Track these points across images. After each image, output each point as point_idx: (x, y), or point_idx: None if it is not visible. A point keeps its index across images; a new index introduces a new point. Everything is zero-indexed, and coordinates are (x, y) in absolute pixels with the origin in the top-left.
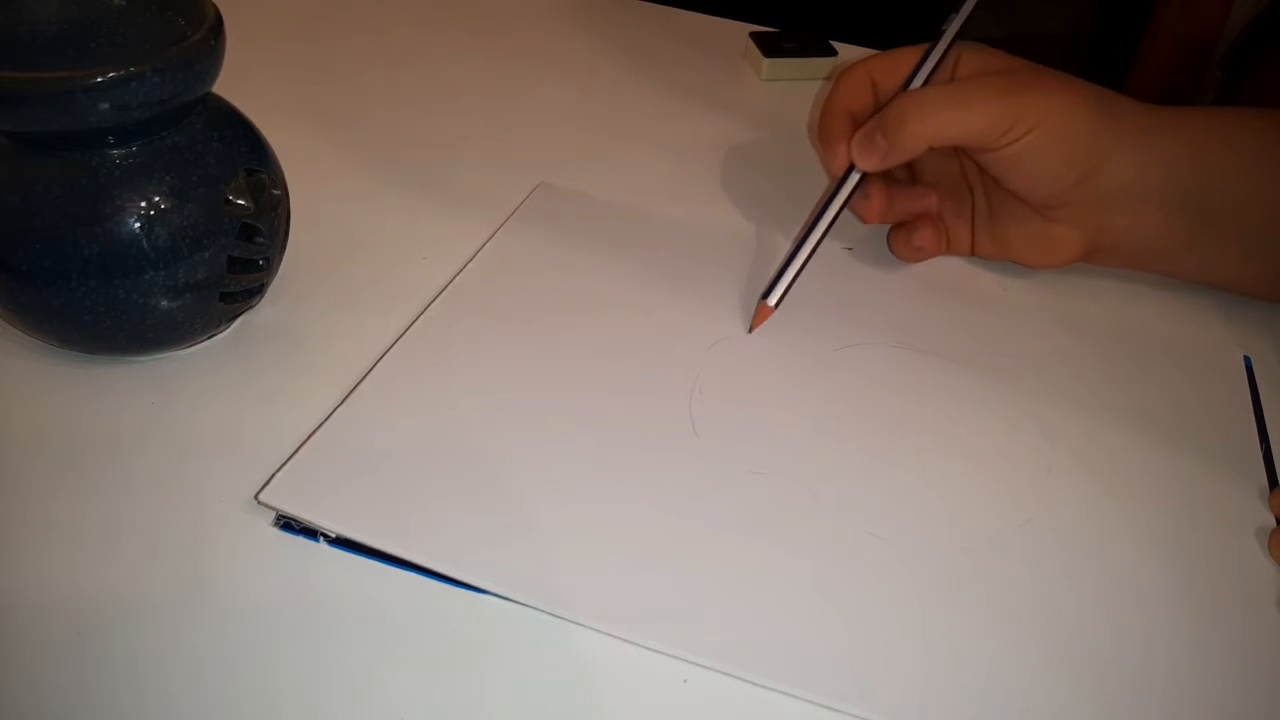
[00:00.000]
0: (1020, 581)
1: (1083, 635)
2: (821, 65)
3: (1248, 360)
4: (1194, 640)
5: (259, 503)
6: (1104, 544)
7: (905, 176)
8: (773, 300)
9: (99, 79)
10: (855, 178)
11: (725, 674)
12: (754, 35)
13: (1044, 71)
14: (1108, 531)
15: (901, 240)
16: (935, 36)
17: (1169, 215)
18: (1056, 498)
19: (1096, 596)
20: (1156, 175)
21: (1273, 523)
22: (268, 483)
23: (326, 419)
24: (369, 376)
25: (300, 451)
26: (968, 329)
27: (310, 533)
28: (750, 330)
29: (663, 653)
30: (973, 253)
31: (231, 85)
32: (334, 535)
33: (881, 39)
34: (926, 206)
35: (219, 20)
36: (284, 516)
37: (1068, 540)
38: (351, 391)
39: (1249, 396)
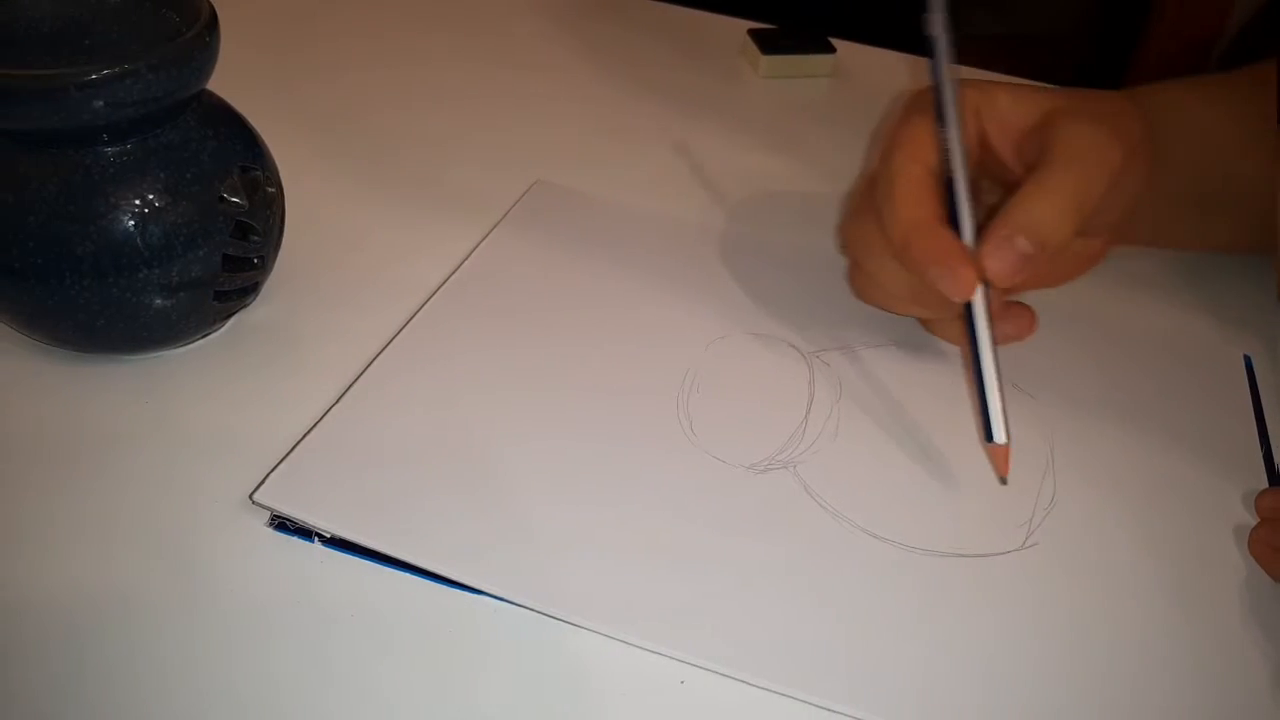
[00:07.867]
0: (1018, 583)
1: (1082, 636)
2: (820, 62)
3: (1248, 360)
4: (1193, 642)
5: (253, 503)
6: (1103, 545)
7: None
8: (1001, 437)
9: (93, 76)
10: (982, 293)
11: (722, 675)
12: (752, 32)
13: (1079, 97)
14: (1107, 532)
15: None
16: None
17: (1175, 205)
18: (1056, 498)
19: (1095, 598)
20: (1171, 178)
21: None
22: (262, 483)
23: (321, 418)
24: (364, 376)
25: (295, 451)
26: None
27: (305, 533)
28: (1004, 480)
29: (660, 653)
30: None
31: (226, 83)
32: (329, 535)
33: (881, 36)
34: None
35: (214, 17)
36: (278, 516)
37: (1067, 541)
38: (346, 391)
39: (1249, 396)
